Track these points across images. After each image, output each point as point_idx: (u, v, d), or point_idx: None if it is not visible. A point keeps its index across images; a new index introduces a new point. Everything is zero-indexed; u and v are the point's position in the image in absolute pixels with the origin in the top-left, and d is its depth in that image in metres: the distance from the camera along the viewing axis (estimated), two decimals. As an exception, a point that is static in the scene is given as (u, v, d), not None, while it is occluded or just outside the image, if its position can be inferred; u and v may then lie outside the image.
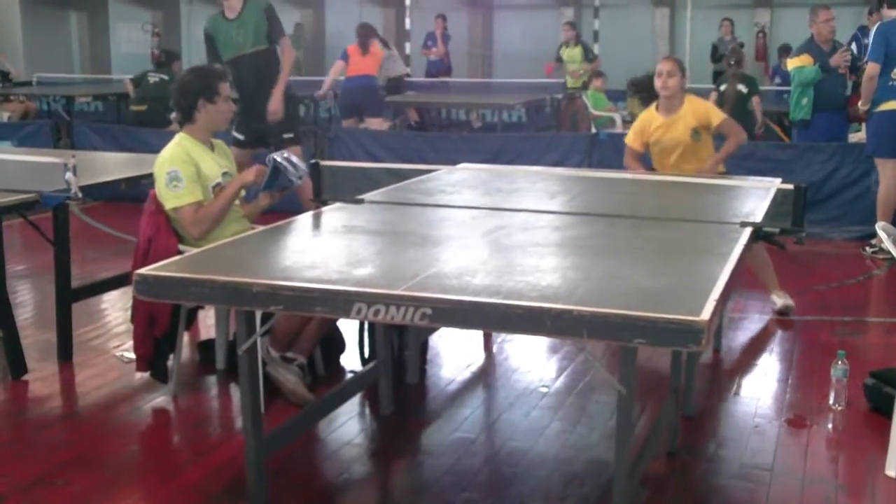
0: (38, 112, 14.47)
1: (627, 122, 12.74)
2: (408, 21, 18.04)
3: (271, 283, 3.05)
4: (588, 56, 14.77)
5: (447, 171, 5.77)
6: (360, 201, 4.59)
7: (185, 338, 5.22)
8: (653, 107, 6.28)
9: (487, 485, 3.97)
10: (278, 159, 4.65)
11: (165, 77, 11.93)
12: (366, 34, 12.31)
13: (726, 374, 5.37)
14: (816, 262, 7.79)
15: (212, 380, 5.16)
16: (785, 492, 3.88)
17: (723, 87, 10.85)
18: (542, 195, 5.08)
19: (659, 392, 4.66)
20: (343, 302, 2.95)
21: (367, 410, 4.78)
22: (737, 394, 5.04)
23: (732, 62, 11.32)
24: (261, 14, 7.32)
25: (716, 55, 15.48)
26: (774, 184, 4.88)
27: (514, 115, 14.88)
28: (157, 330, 4.75)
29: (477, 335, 5.70)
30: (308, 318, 4.66)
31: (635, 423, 4.05)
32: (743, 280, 6.12)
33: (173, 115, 11.86)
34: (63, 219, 5.21)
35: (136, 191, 5.44)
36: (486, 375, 5.30)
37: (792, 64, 8.80)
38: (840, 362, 4.71)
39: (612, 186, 5.29)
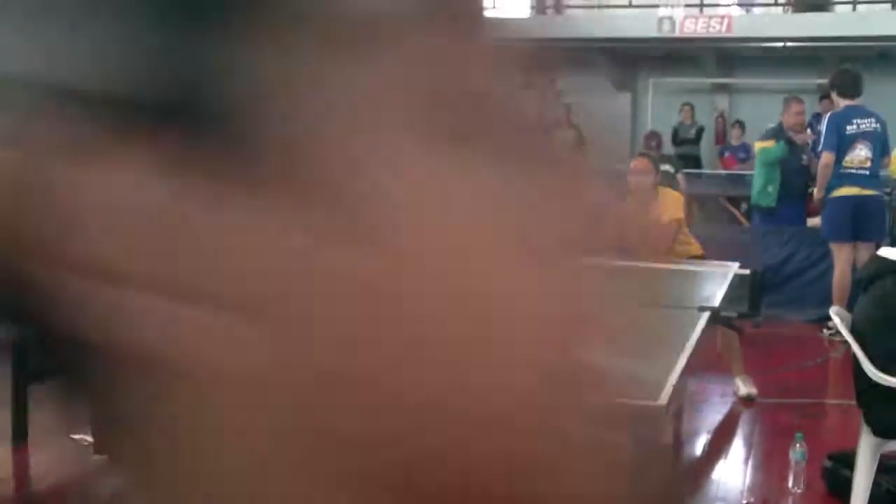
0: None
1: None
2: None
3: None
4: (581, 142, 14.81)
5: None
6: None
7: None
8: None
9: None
10: None
11: None
12: None
13: (687, 456, 5.38)
14: (775, 344, 7.85)
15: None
16: (745, 576, 3.88)
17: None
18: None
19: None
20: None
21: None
22: (698, 476, 5.05)
23: (653, 144, 11.57)
24: None
25: (676, 139, 15.73)
26: (732, 268, 4.95)
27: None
28: (115, 412, 4.70)
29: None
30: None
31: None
32: (703, 363, 6.16)
33: None
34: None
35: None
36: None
37: (760, 145, 8.98)
38: (798, 445, 4.74)
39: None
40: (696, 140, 15.65)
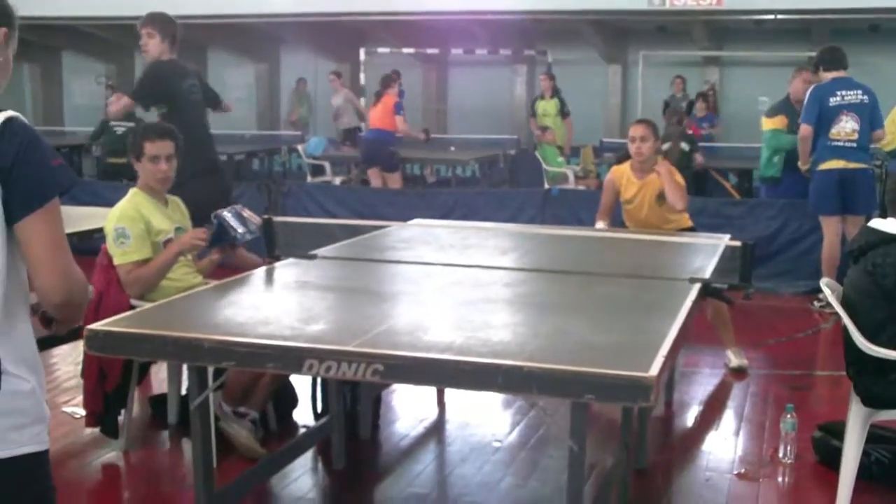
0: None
1: (580, 178, 12.88)
2: (362, 76, 18.16)
3: (223, 339, 3.05)
4: (563, 110, 14.63)
5: (400, 227, 5.80)
6: (313, 257, 4.61)
7: (137, 392, 5.18)
8: (626, 164, 6.33)
9: (440, 540, 3.96)
10: (225, 214, 4.65)
11: (133, 125, 10.93)
12: (382, 85, 12.06)
13: (678, 427, 5.41)
14: (766, 316, 7.87)
15: (163, 435, 5.12)
16: (735, 545, 3.91)
17: (666, 146, 10.97)
18: (494, 252, 5.12)
19: (612, 445, 4.69)
20: (295, 358, 2.96)
21: (320, 465, 4.77)
22: (689, 447, 5.08)
23: (675, 121, 11.49)
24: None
25: (667, 111, 15.71)
26: (723, 240, 4.96)
27: (468, 170, 14.96)
28: (107, 385, 4.71)
29: (430, 390, 5.70)
30: (260, 373, 4.65)
31: (587, 478, 4.06)
32: (695, 334, 6.19)
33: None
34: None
35: (89, 245, 5.41)
36: (439, 430, 5.30)
37: (768, 125, 8.92)
38: (789, 416, 4.77)
39: (563, 243, 5.34)
40: (687, 113, 15.62)
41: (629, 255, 5.19)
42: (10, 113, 2.10)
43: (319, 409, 5.19)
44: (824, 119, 7.76)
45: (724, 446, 5.03)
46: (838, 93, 7.77)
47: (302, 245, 4.75)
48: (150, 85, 6.61)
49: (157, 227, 4.75)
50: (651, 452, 4.82)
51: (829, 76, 7.89)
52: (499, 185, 14.38)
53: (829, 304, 7.58)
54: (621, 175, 6.32)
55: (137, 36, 6.57)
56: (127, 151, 5.12)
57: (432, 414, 5.48)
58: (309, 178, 14.12)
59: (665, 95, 15.92)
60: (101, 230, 4.94)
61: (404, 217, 6.85)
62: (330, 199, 9.99)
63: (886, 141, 8.33)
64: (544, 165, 13.12)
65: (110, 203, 5.00)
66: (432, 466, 4.80)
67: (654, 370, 2.70)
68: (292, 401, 5.33)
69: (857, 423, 4.00)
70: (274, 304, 3.90)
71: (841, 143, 7.76)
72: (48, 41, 19.34)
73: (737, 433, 5.24)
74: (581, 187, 12.11)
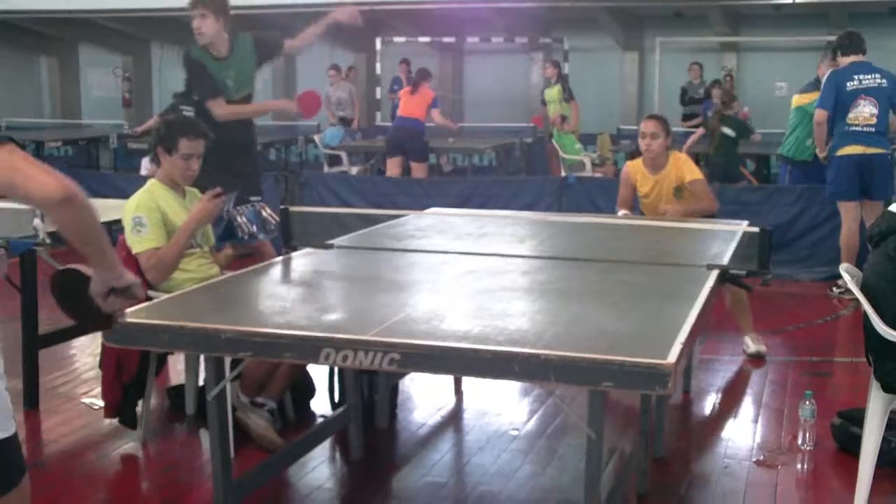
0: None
1: (597, 166, 12.84)
2: (378, 66, 18.14)
3: (240, 330, 3.05)
4: (565, 96, 14.72)
5: (416, 216, 5.79)
6: (330, 246, 4.61)
7: (155, 383, 5.19)
8: (639, 160, 6.31)
9: (458, 529, 3.96)
10: (237, 212, 4.65)
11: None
12: (419, 77, 12.09)
13: (696, 415, 5.39)
14: (784, 302, 7.85)
15: (181, 425, 5.13)
16: (754, 533, 3.89)
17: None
18: (511, 239, 5.11)
19: (630, 433, 4.68)
20: (311, 347, 2.96)
21: (338, 455, 4.77)
22: (707, 435, 5.07)
23: (721, 101, 11.31)
24: (250, 50, 6.32)
25: (685, 98, 15.63)
26: (741, 227, 4.93)
27: (484, 158, 14.94)
28: (125, 376, 4.72)
29: (447, 379, 5.69)
30: (278, 363, 4.65)
31: (605, 466, 4.06)
32: (713, 322, 6.17)
33: (144, 161, 11.68)
34: (30, 265, 5.18)
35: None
36: (456, 419, 5.30)
37: (801, 100, 8.85)
38: (808, 402, 4.75)
39: (580, 230, 5.33)
40: (705, 99, 15.55)
41: (646, 241, 5.16)
42: None
43: (337, 399, 5.19)
44: (841, 104, 7.69)
45: (742, 434, 5.01)
46: (856, 77, 7.70)
47: (318, 235, 4.75)
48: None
49: (173, 220, 4.73)
50: (669, 440, 4.81)
51: (846, 60, 7.82)
52: (515, 173, 14.36)
53: (847, 291, 7.58)
54: (636, 171, 6.31)
55: (190, 19, 6.05)
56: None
57: (449, 403, 5.47)
58: (326, 168, 14.13)
59: (682, 82, 15.85)
60: (118, 222, 4.95)
61: (421, 206, 6.84)
62: (346, 189, 9.99)
63: None
64: (561, 153, 13.10)
65: (128, 195, 5.01)
66: (450, 455, 4.79)
67: (673, 357, 2.69)
68: (310, 391, 5.33)
69: (876, 410, 3.98)
70: (290, 294, 3.90)
71: (859, 128, 7.69)
72: (65, 34, 19.39)
73: (755, 420, 5.22)
74: (598, 175, 12.07)
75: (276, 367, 4.72)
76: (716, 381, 5.90)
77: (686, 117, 15.18)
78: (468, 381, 5.65)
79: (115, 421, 4.88)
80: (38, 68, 20.89)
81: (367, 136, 15.94)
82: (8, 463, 2.51)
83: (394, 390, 5.35)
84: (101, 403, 4.93)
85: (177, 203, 4.83)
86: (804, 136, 8.79)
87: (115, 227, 5.27)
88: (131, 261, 4.70)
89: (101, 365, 4.80)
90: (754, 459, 4.64)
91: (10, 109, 18.56)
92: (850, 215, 7.79)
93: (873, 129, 7.68)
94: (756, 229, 4.16)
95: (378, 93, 18.18)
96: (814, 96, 8.55)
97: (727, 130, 10.85)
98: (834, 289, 7.99)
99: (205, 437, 4.82)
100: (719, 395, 5.68)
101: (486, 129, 16.59)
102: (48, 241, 4.81)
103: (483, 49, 18.92)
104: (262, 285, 3.94)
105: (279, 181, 9.83)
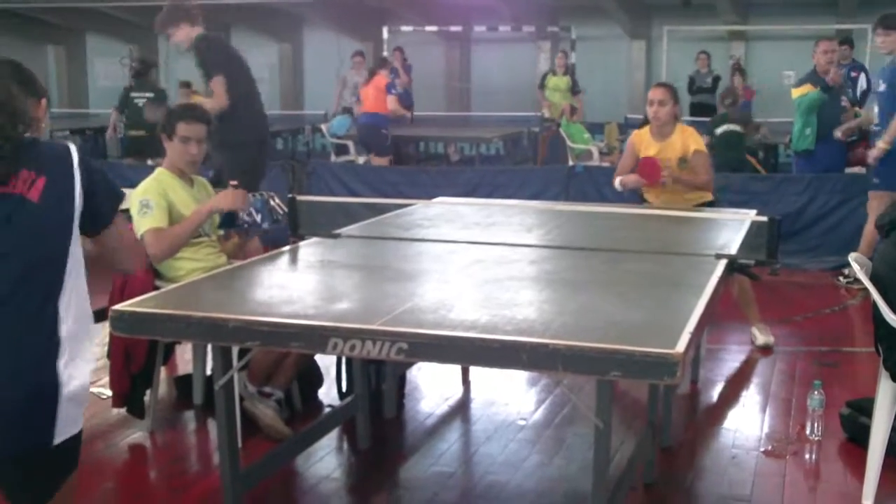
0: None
1: (605, 154, 12.83)
2: (386, 55, 18.14)
3: (248, 319, 3.05)
4: (575, 88, 14.77)
5: (424, 206, 5.78)
6: (337, 236, 4.60)
7: (162, 373, 5.20)
8: (645, 128, 6.27)
9: (466, 519, 3.96)
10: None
11: (151, 94, 11.41)
12: (375, 66, 11.94)
13: (704, 405, 5.39)
14: (792, 292, 7.83)
15: (189, 415, 5.13)
16: (762, 523, 3.89)
17: (720, 131, 10.85)
18: (518, 229, 5.10)
19: (637, 423, 4.67)
20: (319, 337, 2.95)
21: (345, 445, 4.77)
22: (714, 425, 5.06)
23: (728, 102, 11.28)
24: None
25: (692, 87, 15.59)
26: (749, 216, 4.91)
27: (491, 148, 14.92)
28: (133, 366, 4.73)
29: (455, 368, 5.69)
30: (285, 353, 4.65)
31: (613, 455, 4.05)
32: (720, 311, 6.15)
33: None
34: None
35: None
36: (464, 408, 5.29)
37: (796, 93, 8.80)
38: (816, 392, 4.74)
39: (588, 220, 5.31)
40: (713, 89, 15.51)
41: (655, 231, 5.15)
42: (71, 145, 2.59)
43: (344, 389, 5.19)
44: None
45: (750, 424, 5.00)
46: None
47: (326, 224, 4.74)
48: (222, 57, 6.66)
49: (180, 207, 4.72)
50: (677, 430, 4.80)
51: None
52: (522, 162, 14.34)
53: (855, 280, 7.56)
54: (641, 139, 6.27)
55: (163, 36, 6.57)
56: (150, 123, 5.12)
57: (457, 392, 5.47)
58: (333, 158, 14.11)
59: (690, 71, 15.81)
60: (127, 211, 4.94)
61: (428, 195, 6.83)
62: (354, 179, 9.99)
63: None
64: (569, 143, 13.08)
65: (135, 185, 5.00)
66: (457, 445, 4.79)
67: (681, 347, 2.68)
68: (317, 380, 5.34)
69: (885, 400, 3.97)
70: (298, 284, 3.90)
71: None
72: (72, 23, 19.40)
73: (763, 410, 5.21)
74: (605, 164, 12.05)
75: (284, 357, 4.72)
76: (724, 371, 5.89)
77: (694, 106, 15.12)
78: (475, 371, 5.65)
79: (122, 410, 4.89)
80: (45, 58, 20.91)
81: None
82: (72, 460, 2.72)
83: (401, 380, 5.35)
84: (109, 393, 4.93)
85: (184, 191, 4.83)
86: (802, 126, 8.75)
87: (124, 217, 5.26)
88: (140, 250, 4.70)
89: (109, 355, 4.80)
90: (762, 449, 4.63)
91: (18, 99, 18.56)
92: (886, 203, 7.68)
93: None
94: (764, 219, 4.15)
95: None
96: (804, 89, 8.53)
97: (734, 127, 10.84)
98: (841, 278, 7.96)
99: (212, 426, 4.82)
100: (727, 385, 5.67)
101: (494, 119, 16.59)
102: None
103: (490, 38, 18.90)
104: (269, 274, 3.93)
105: (286, 170, 9.82)
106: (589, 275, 3.92)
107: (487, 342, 2.80)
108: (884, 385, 3.97)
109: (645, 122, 6.37)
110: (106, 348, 4.93)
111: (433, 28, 18.12)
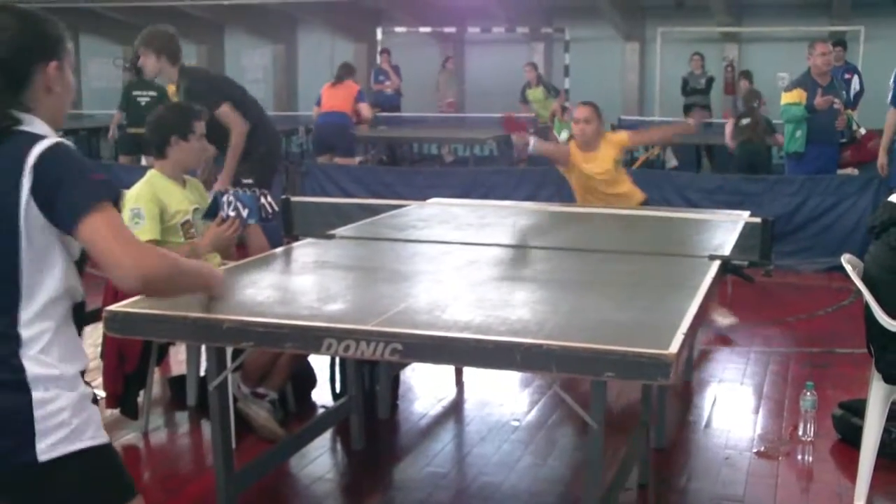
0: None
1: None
2: (379, 57, 18.15)
3: (241, 320, 3.05)
4: (551, 94, 14.90)
5: (418, 206, 5.79)
6: (331, 236, 4.60)
7: (156, 374, 5.20)
8: (572, 142, 6.67)
9: (459, 519, 3.96)
10: (227, 194, 4.59)
11: (154, 94, 11.43)
12: (342, 71, 11.99)
13: (697, 406, 5.39)
14: (785, 293, 7.84)
15: (183, 416, 5.13)
16: (755, 523, 3.90)
17: (746, 122, 10.90)
18: (512, 230, 5.10)
19: (631, 424, 4.68)
20: (313, 338, 2.95)
21: (339, 446, 4.77)
22: (708, 426, 5.07)
23: (755, 104, 11.27)
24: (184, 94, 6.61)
25: (686, 89, 15.61)
26: (742, 217, 4.92)
27: (485, 149, 14.92)
28: (127, 366, 4.72)
29: (449, 369, 5.69)
30: (279, 354, 4.65)
31: (606, 456, 4.06)
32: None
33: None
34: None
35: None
36: (457, 409, 5.30)
37: (784, 99, 8.83)
38: (809, 394, 4.75)
39: (582, 221, 5.32)
40: (707, 90, 15.54)
41: (648, 232, 5.16)
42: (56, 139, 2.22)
43: (338, 390, 5.19)
44: None
45: (743, 425, 5.01)
46: None
47: (320, 225, 4.74)
48: (212, 84, 6.67)
49: (175, 208, 4.71)
50: (670, 431, 4.81)
51: None
52: (516, 163, 14.34)
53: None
54: (575, 151, 6.60)
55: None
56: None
57: (451, 393, 5.48)
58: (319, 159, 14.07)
59: (683, 72, 15.83)
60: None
61: (422, 196, 6.83)
62: (348, 179, 9.99)
63: None
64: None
65: (127, 185, 4.99)
66: (451, 446, 4.80)
67: (675, 347, 2.69)
68: (311, 381, 5.34)
69: (878, 401, 3.98)
70: (292, 284, 3.90)
71: None
72: (65, 24, 19.37)
73: (756, 411, 5.22)
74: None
75: (278, 358, 4.72)
76: (717, 372, 5.90)
77: (687, 108, 15.15)
78: (469, 372, 5.65)
79: (116, 411, 4.88)
80: (39, 58, 20.86)
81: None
82: (100, 486, 2.34)
83: (395, 381, 5.35)
84: (103, 394, 4.92)
85: (178, 192, 4.82)
86: (793, 129, 8.78)
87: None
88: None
89: (103, 355, 4.80)
90: (755, 450, 4.64)
91: (11, 99, 18.53)
92: None
93: None
94: (758, 220, 4.15)
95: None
96: (793, 96, 8.55)
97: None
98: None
99: (206, 427, 4.82)
100: (720, 386, 5.68)
101: (488, 120, 16.58)
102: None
103: (484, 39, 18.92)
104: (263, 275, 3.93)
105: (281, 171, 9.80)
106: (583, 275, 3.93)
107: (481, 343, 2.80)
108: (876, 386, 3.98)
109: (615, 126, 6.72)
110: (99, 349, 4.92)
111: (427, 29, 18.14)
